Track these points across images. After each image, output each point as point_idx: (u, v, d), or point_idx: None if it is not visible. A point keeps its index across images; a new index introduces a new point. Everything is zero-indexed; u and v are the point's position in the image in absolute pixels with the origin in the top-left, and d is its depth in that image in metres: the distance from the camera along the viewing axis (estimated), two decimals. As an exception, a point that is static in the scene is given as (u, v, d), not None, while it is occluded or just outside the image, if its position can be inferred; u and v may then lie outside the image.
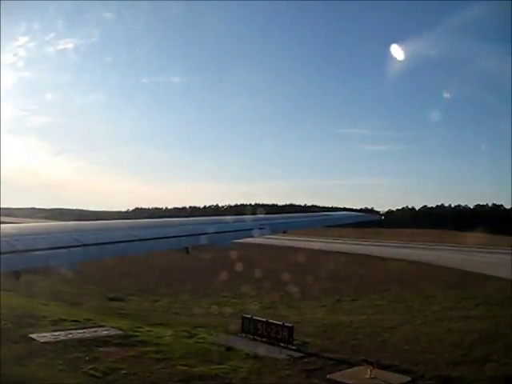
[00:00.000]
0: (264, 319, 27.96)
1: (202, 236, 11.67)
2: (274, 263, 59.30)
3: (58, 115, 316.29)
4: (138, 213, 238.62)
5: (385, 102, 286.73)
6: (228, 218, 14.34)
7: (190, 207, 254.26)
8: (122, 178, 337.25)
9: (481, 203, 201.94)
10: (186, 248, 11.25)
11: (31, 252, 8.68)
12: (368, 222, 42.79)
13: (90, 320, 31.00)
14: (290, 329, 26.07)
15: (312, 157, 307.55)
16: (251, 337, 27.75)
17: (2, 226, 10.24)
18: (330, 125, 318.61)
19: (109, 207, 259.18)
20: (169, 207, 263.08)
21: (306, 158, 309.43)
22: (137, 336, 27.85)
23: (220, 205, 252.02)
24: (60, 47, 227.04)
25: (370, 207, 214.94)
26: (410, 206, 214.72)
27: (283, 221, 15.13)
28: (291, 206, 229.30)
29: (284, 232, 14.77)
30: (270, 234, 13.91)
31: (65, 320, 30.22)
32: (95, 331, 28.47)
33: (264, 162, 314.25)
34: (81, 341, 26.11)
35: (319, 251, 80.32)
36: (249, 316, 28.62)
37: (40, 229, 10.68)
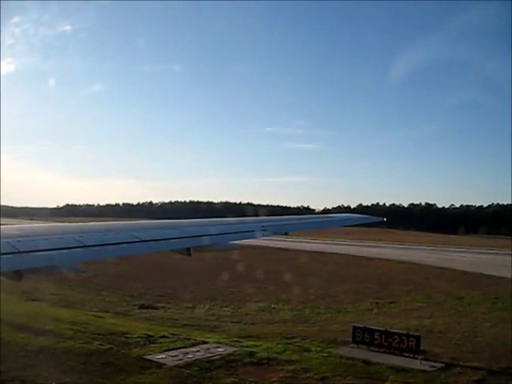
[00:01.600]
0: (382, 328, 23.98)
1: (204, 237, 10.18)
2: (274, 264, 54.24)
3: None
4: (70, 209, 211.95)
5: (313, 101, 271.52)
6: (230, 219, 12.87)
7: (124, 204, 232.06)
8: (47, 173, 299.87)
9: (414, 202, 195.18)
10: (188, 249, 9.78)
11: (33, 253, 7.68)
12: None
13: (176, 335, 24.92)
14: (418, 338, 22.50)
15: (242, 155, 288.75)
16: (364, 347, 23.37)
17: (3, 227, 9.19)
18: (259, 123, 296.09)
19: (36, 203, 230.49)
20: (101, 204, 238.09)
21: (235, 156, 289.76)
22: (256, 352, 22.05)
23: (154, 202, 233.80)
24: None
25: (305, 205, 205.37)
26: (345, 205, 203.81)
27: (285, 222, 13.57)
28: (226, 203, 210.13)
29: (285, 234, 13.06)
30: (272, 236, 12.19)
31: (152, 336, 24.13)
32: (208, 349, 22.54)
33: (195, 159, 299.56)
34: (209, 362, 20.56)
35: (300, 251, 71.71)
36: (361, 325, 24.44)
37: (42, 230, 9.54)
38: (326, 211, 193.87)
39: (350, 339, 24.07)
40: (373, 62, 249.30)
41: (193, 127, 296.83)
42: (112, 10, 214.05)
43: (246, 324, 30.97)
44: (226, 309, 36.04)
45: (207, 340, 24.28)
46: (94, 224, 10.16)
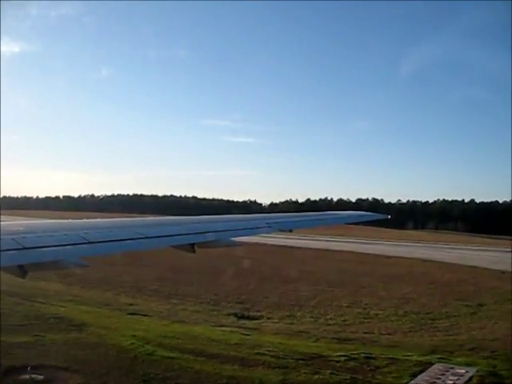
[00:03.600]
0: None
1: (208, 234, 8.53)
2: (300, 263, 47.15)
3: None
4: (7, 201, 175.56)
5: (251, 95, 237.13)
6: (233, 216, 11.20)
7: (64, 196, 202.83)
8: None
9: (362, 197, 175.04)
10: (192, 246, 8.14)
11: (39, 249, 6.47)
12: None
13: (371, 353, 18.51)
14: None
15: (180, 148, 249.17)
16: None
17: (8, 223, 8.04)
18: (195, 115, 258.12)
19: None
20: (40, 196, 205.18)
21: (173, 149, 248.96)
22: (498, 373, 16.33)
23: (96, 194, 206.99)
24: None
25: (252, 200, 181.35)
26: (293, 199, 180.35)
27: (290, 219, 11.49)
28: (171, 196, 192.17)
29: (290, 231, 10.91)
30: (277, 232, 10.21)
31: (352, 358, 17.77)
32: (446, 371, 16.64)
33: (135, 152, 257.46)
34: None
35: (305, 248, 62.20)
36: None
37: (47, 227, 8.22)
38: (273, 205, 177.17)
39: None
40: (309, 57, 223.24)
41: (132, 120, 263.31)
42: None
43: (383, 334, 23.53)
44: (328, 316, 27.37)
45: (400, 357, 18.09)
46: (98, 221, 9.06)
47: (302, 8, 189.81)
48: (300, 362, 17.16)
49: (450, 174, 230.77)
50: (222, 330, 22.40)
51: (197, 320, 24.68)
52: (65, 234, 7.39)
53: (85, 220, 8.77)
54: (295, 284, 35.61)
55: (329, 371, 16.14)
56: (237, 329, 22.98)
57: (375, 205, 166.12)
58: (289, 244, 65.59)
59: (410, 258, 57.15)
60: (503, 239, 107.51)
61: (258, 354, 17.77)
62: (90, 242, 7.12)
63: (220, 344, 19.03)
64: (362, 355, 18.09)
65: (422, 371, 16.56)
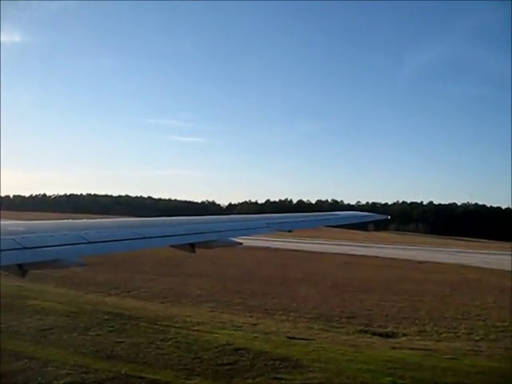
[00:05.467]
0: None
1: (208, 234, 8.27)
2: (341, 270, 42.70)
3: None
4: None
5: (199, 95, 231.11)
6: (232, 216, 11.01)
7: (15, 196, 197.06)
8: None
9: (322, 199, 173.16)
10: (192, 246, 7.84)
11: (39, 249, 6.29)
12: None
13: None
14: None
15: (129, 147, 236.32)
16: None
17: (8, 222, 7.76)
18: (142, 115, 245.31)
19: None
20: None
21: (119, 148, 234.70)
22: None
23: (48, 194, 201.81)
24: None
25: (211, 200, 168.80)
26: (253, 200, 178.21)
27: (289, 220, 11.01)
28: (126, 196, 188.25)
29: (290, 231, 10.36)
30: (276, 233, 9.78)
31: None
32: None
33: (82, 151, 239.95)
34: None
35: (325, 253, 58.05)
36: None
37: (47, 227, 7.92)
38: (231, 206, 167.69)
39: None
40: (261, 58, 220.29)
41: (79, 117, 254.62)
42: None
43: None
44: (462, 331, 22.86)
45: None
46: (98, 221, 8.71)
47: (257, 8, 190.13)
48: None
49: (408, 176, 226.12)
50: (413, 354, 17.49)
51: (347, 341, 19.41)
52: (64, 234, 7.18)
53: (84, 220, 8.67)
54: (377, 294, 30.79)
55: None
56: (409, 351, 18.02)
57: (335, 206, 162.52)
58: (299, 248, 62.08)
59: (443, 263, 53.20)
60: (469, 241, 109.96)
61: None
62: (89, 242, 6.91)
63: (466, 374, 14.56)
64: None
65: None
